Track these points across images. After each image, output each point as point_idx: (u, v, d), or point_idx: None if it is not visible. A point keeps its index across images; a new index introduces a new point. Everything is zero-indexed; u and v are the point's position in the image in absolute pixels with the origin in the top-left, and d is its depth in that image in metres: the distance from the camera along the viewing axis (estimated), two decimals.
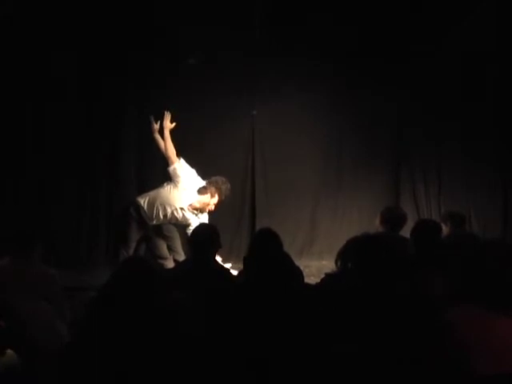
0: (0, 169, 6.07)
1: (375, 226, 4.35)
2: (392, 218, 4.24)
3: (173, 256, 5.28)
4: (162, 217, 5.11)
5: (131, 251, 5.15)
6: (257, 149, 6.69)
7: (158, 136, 5.36)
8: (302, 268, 3.51)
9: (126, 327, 2.05)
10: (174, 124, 5.28)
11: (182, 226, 5.25)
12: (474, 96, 6.62)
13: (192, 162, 5.60)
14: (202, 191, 5.18)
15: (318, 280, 3.31)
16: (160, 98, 6.29)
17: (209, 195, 5.19)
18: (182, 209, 5.10)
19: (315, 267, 5.85)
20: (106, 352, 2.01)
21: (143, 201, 5.16)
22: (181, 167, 5.17)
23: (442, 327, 1.97)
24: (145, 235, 5.27)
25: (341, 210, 6.92)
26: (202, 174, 6.59)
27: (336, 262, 3.27)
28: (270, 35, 6.25)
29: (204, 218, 5.27)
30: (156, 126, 5.35)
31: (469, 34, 6.25)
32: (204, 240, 3.42)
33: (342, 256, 3.17)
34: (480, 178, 6.81)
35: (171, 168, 5.17)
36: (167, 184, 5.23)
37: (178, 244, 5.33)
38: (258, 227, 6.17)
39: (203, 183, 5.26)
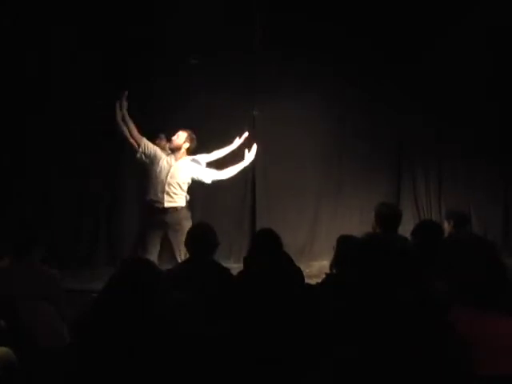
0: (1, 169, 6.08)
1: (372, 224, 4.32)
2: (388, 215, 4.19)
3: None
4: (176, 187, 4.92)
5: (147, 254, 4.92)
6: (257, 149, 6.68)
7: (123, 122, 4.98)
8: (302, 268, 3.51)
9: (127, 327, 2.05)
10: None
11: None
12: (474, 96, 6.62)
13: None
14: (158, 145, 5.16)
15: (319, 280, 3.31)
16: (160, 98, 6.30)
17: (157, 145, 5.14)
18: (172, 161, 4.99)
19: (316, 267, 5.84)
20: (106, 352, 2.01)
21: (150, 195, 4.98)
22: (148, 145, 4.98)
23: (442, 327, 1.97)
24: (163, 238, 5.08)
25: (341, 210, 6.90)
26: None
27: (331, 268, 3.28)
28: (270, 35, 6.25)
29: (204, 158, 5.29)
30: (121, 112, 4.98)
31: (467, 35, 6.30)
32: (200, 239, 3.41)
33: (340, 258, 3.17)
34: (481, 178, 6.81)
35: (138, 155, 4.95)
36: (145, 169, 5.01)
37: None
38: (258, 227, 6.17)
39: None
